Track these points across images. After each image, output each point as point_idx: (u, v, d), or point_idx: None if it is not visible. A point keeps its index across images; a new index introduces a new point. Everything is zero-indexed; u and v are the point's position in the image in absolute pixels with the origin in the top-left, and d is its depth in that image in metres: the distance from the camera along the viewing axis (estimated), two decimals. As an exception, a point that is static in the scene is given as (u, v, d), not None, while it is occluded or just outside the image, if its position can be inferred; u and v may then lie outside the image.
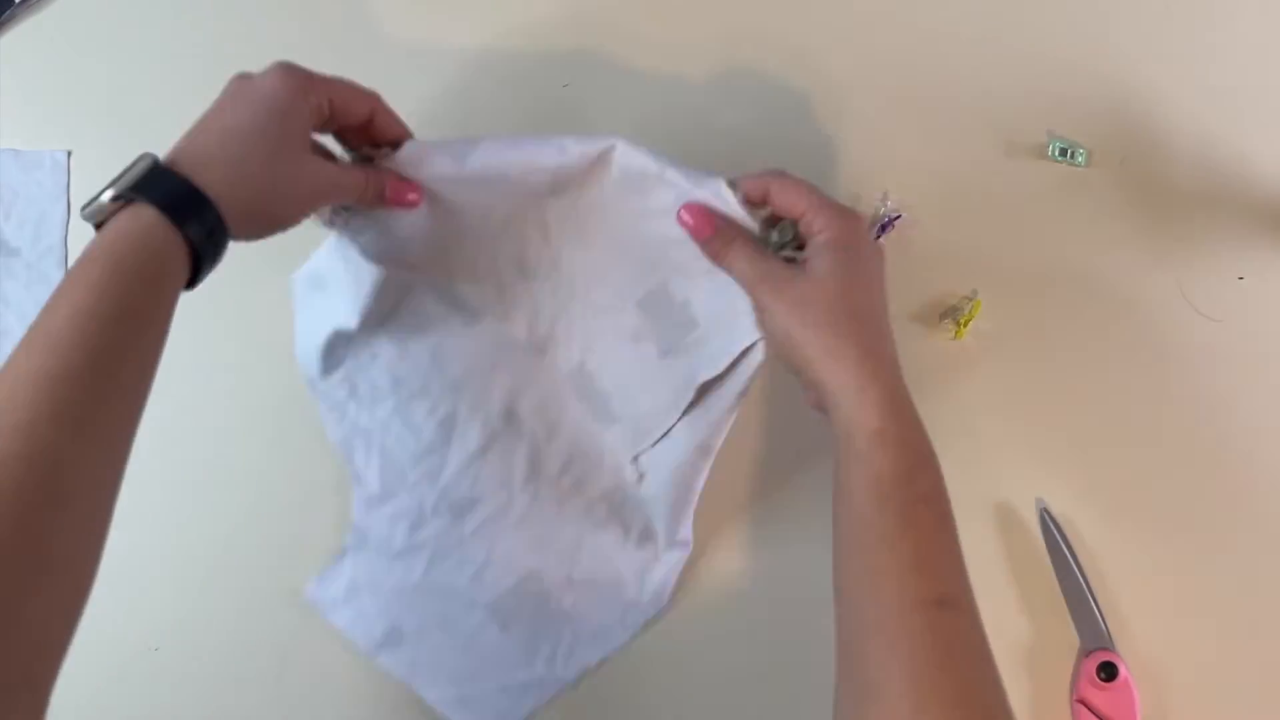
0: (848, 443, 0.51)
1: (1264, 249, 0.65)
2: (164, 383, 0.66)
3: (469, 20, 0.68)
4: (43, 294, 0.66)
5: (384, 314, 0.61)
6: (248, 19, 0.69)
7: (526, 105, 0.68)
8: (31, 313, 0.65)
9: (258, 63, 0.68)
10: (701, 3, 0.68)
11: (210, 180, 0.48)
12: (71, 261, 0.66)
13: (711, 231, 0.56)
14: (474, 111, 0.67)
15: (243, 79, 0.53)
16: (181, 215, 0.47)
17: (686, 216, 0.56)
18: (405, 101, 0.67)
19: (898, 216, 0.65)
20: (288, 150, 0.52)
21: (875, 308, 0.54)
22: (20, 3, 0.68)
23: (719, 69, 0.68)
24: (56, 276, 0.66)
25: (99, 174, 0.67)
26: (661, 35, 0.68)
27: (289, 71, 0.52)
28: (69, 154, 0.68)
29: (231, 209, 0.49)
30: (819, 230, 0.54)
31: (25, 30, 0.69)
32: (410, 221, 0.58)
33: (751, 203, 0.56)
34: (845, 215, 0.54)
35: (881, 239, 0.65)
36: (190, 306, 0.66)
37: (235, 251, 0.51)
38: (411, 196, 0.57)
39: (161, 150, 0.49)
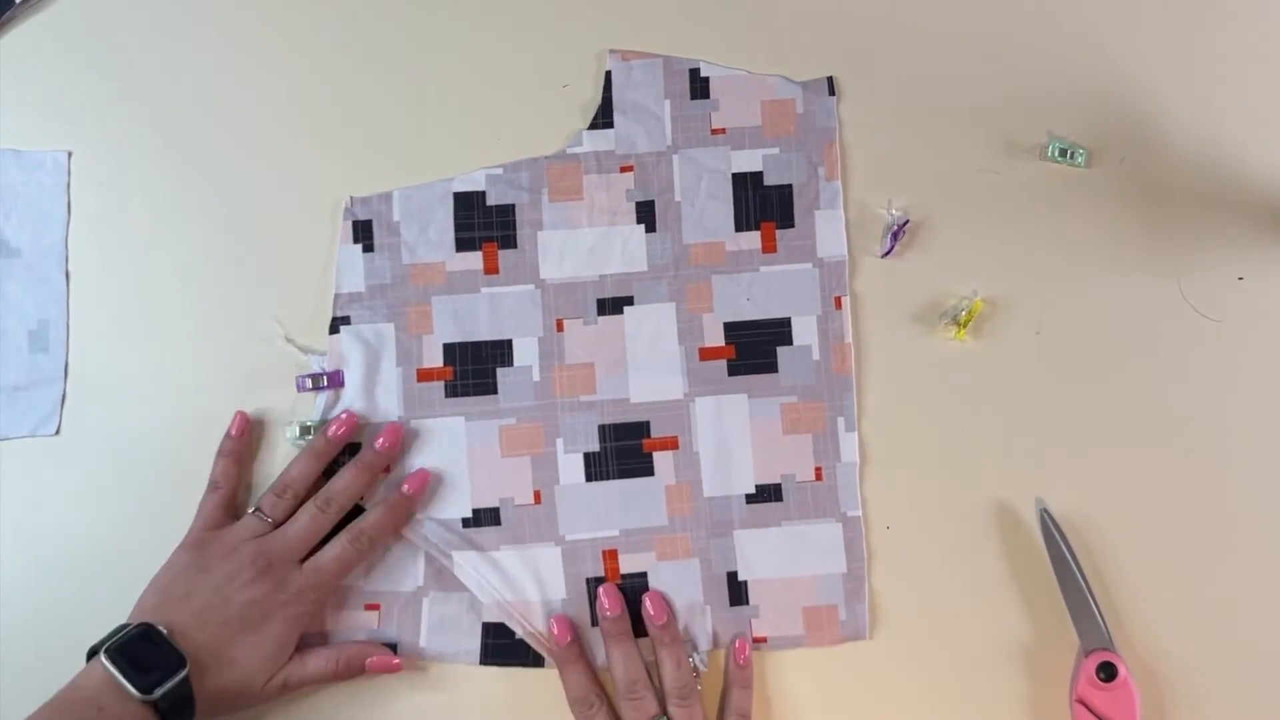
0: None
1: (1264, 249, 0.65)
2: (170, 385, 0.66)
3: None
4: (43, 295, 0.66)
5: None
6: (248, 19, 0.68)
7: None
8: (32, 313, 0.66)
9: (257, 62, 0.68)
10: (700, 5, 0.68)
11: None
12: (72, 262, 0.67)
13: (664, 620, 0.62)
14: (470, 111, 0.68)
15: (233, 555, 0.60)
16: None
17: (649, 604, 0.62)
18: (402, 104, 0.68)
19: (906, 222, 0.65)
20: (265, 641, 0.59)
21: None
22: (20, 3, 0.68)
23: (719, 69, 0.68)
24: (57, 277, 0.66)
25: (99, 174, 0.68)
26: (676, 37, 0.68)
27: (304, 596, 0.60)
28: (69, 154, 0.67)
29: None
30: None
31: (25, 30, 0.69)
32: None
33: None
34: None
35: (895, 248, 0.65)
36: (209, 305, 0.67)
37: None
38: (395, 663, 0.62)
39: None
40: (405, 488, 0.63)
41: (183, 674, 0.55)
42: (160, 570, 0.60)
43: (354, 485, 0.62)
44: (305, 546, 0.60)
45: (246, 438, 0.64)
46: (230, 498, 0.63)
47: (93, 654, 0.56)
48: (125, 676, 0.54)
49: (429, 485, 0.64)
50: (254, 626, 0.58)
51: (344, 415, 0.63)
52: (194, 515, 0.62)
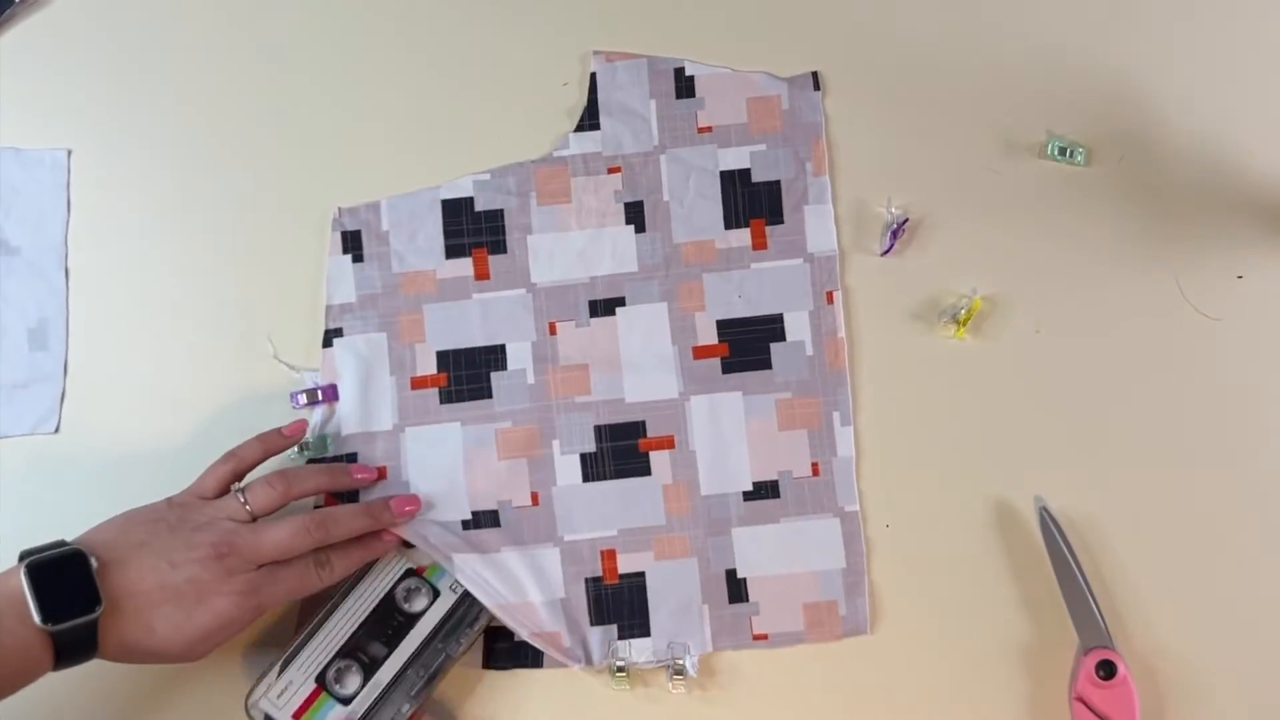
0: None
1: (1263, 248, 0.65)
2: (170, 384, 0.66)
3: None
4: (43, 293, 0.66)
5: None
6: (247, 18, 0.69)
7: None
8: (32, 311, 0.66)
9: (258, 62, 0.68)
10: (683, 4, 0.68)
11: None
12: (72, 261, 0.67)
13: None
14: (469, 110, 0.68)
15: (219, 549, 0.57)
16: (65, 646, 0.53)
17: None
18: (397, 104, 0.68)
19: (905, 220, 0.65)
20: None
21: None
22: (20, 2, 0.68)
23: (719, 68, 0.68)
24: (56, 275, 0.66)
25: (99, 174, 0.68)
26: (660, 37, 0.68)
27: (246, 598, 0.57)
28: (69, 154, 0.68)
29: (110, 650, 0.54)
30: None
31: (25, 30, 0.69)
32: None
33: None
34: None
35: (895, 245, 0.65)
36: (208, 306, 0.67)
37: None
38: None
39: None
40: (385, 537, 0.62)
41: (93, 615, 0.52)
42: (135, 509, 0.58)
43: (351, 525, 0.60)
44: (272, 557, 0.58)
45: (293, 440, 0.63)
46: (236, 476, 0.60)
47: (23, 558, 0.54)
48: (36, 596, 0.51)
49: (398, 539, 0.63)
50: (185, 605, 0.55)
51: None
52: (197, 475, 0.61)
